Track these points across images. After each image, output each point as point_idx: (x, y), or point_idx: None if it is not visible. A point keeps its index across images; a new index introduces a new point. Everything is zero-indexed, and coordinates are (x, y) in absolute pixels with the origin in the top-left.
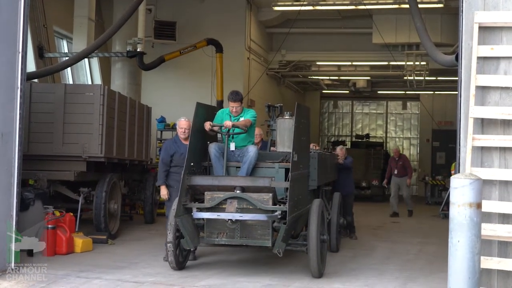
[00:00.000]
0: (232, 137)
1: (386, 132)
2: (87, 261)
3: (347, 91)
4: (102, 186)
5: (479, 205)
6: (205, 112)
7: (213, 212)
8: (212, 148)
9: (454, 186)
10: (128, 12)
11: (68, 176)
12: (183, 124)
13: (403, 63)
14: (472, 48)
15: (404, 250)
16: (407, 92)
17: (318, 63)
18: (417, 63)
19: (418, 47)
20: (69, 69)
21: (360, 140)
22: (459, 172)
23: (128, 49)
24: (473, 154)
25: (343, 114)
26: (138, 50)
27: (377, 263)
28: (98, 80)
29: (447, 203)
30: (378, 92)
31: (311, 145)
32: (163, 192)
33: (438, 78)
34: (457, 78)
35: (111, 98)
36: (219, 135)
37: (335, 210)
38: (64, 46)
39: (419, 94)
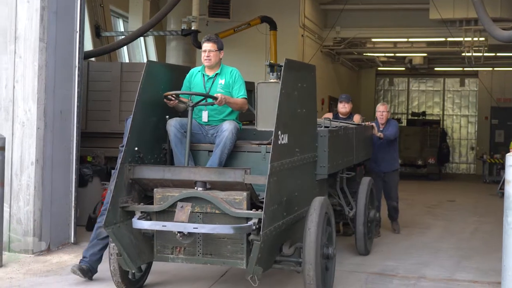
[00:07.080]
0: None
1: (443, 110)
2: None
3: (403, 68)
4: None
5: None
6: (167, 75)
7: (158, 221)
8: (172, 126)
9: (510, 164)
10: None
11: None
12: None
13: (461, 39)
14: None
15: (460, 229)
16: (465, 69)
17: (373, 40)
18: (475, 38)
19: (476, 23)
20: (125, 47)
21: (416, 117)
22: None
23: (182, 28)
24: None
25: (399, 92)
26: (193, 28)
27: (432, 242)
28: (153, 58)
29: None
30: (435, 69)
31: (357, 117)
32: None
33: (497, 54)
34: None
35: None
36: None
37: (363, 202)
38: (120, 25)
39: (477, 70)
